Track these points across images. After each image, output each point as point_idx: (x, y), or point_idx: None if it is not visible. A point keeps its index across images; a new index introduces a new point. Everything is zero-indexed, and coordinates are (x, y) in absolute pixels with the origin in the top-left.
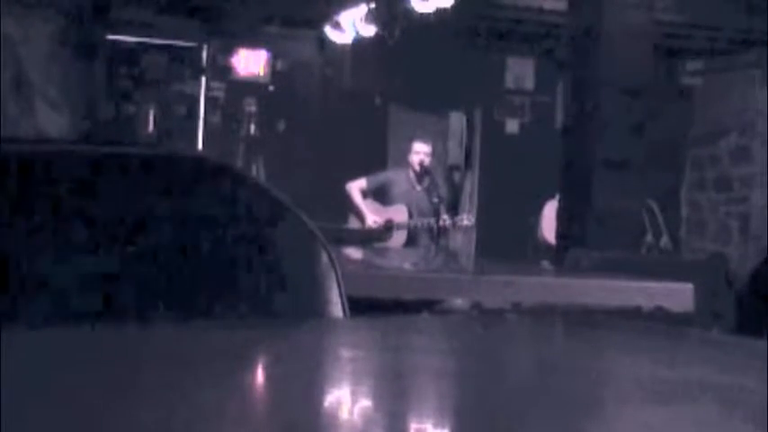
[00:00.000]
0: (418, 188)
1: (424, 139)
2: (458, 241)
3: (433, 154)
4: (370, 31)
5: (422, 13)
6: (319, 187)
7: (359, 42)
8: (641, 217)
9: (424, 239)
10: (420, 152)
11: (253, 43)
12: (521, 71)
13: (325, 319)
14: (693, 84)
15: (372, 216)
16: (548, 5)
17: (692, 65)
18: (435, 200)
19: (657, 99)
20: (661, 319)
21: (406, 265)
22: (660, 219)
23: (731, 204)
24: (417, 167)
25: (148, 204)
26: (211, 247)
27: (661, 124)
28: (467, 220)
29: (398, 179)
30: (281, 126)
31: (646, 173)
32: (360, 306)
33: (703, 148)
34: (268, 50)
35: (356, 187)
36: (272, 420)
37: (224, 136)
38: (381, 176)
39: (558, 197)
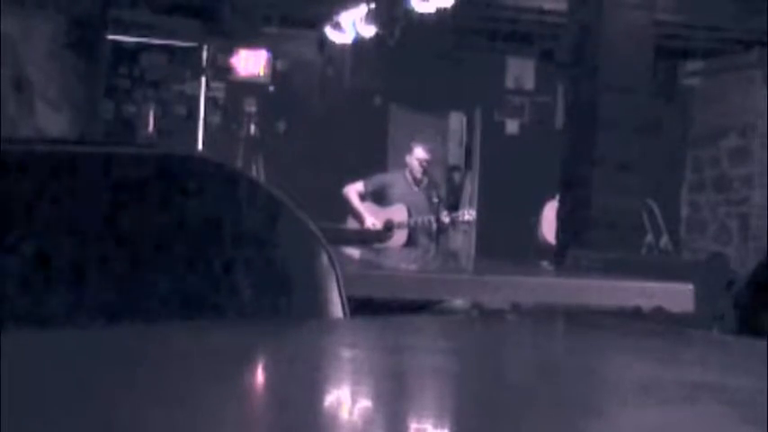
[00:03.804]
0: (416, 189)
1: (425, 144)
2: (458, 241)
3: (433, 154)
4: (370, 31)
5: (422, 13)
6: (319, 187)
7: (359, 42)
8: (641, 217)
9: (423, 239)
10: (422, 159)
11: (253, 43)
12: (521, 71)
13: (325, 319)
14: (693, 84)
15: (371, 218)
16: (548, 5)
17: (692, 65)
18: (435, 200)
19: (657, 99)
20: (661, 319)
21: (406, 266)
22: (660, 219)
23: (731, 204)
24: (418, 174)
25: (148, 204)
26: (211, 247)
27: (661, 124)
28: (468, 214)
29: (396, 181)
30: (281, 126)
31: (646, 173)
32: (360, 306)
33: (703, 149)
34: (268, 50)
35: (353, 190)
36: (271, 421)
37: (224, 136)
38: (379, 179)
39: (557, 197)
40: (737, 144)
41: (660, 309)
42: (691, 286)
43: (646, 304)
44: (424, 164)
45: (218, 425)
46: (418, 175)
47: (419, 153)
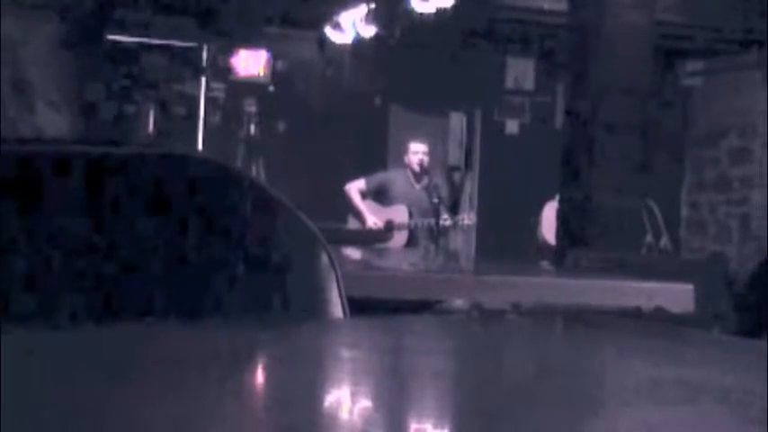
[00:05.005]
0: (417, 187)
1: (419, 138)
2: (458, 241)
3: (431, 153)
4: (370, 31)
5: (422, 13)
6: (319, 187)
7: (359, 42)
8: (641, 217)
9: (424, 240)
10: (418, 152)
11: (253, 43)
12: (521, 71)
13: (325, 319)
14: (693, 84)
15: (372, 217)
16: (548, 6)
17: (693, 65)
18: (435, 200)
19: (657, 99)
20: (661, 319)
21: (406, 266)
22: (660, 219)
23: (731, 204)
24: (416, 168)
25: (148, 204)
26: (211, 248)
27: (661, 124)
28: (468, 219)
29: (397, 179)
30: (281, 126)
31: (646, 173)
32: (360, 306)
33: (703, 149)
34: (268, 50)
35: (355, 188)
36: (272, 420)
37: (224, 136)
38: (380, 177)
39: (557, 197)
40: (737, 144)
41: (660, 309)
42: (691, 286)
43: (646, 304)
44: (422, 156)
45: (218, 424)
46: (417, 169)
47: (415, 147)
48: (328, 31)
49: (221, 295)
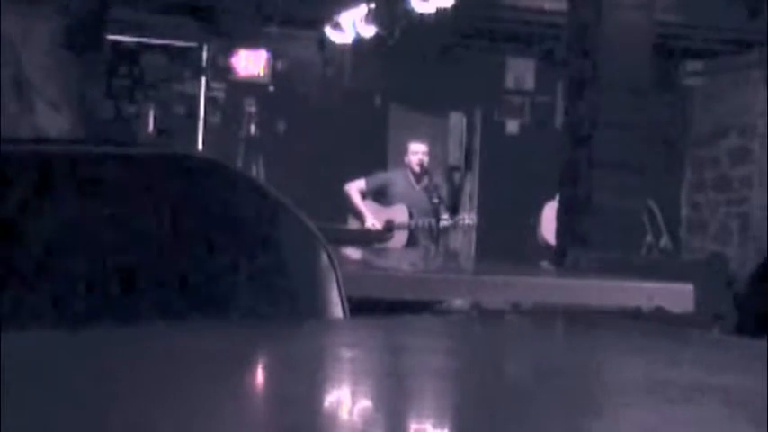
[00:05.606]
0: (417, 188)
1: (419, 139)
2: (458, 241)
3: (431, 153)
4: (370, 31)
5: (422, 13)
6: (319, 187)
7: (359, 42)
8: (641, 217)
9: (424, 240)
10: (418, 152)
11: (253, 43)
12: (521, 71)
13: (325, 319)
14: (693, 84)
15: (372, 217)
16: (548, 6)
17: (692, 65)
18: (435, 200)
19: (657, 99)
20: (661, 319)
21: (406, 266)
22: (660, 219)
23: (731, 204)
24: (416, 168)
25: (148, 204)
26: (211, 248)
27: (661, 124)
28: (468, 219)
29: (397, 180)
30: (281, 126)
31: (646, 173)
32: (360, 306)
33: (703, 149)
34: (268, 50)
35: (355, 188)
36: (272, 420)
37: (224, 136)
38: (380, 177)
39: (557, 197)
40: (737, 144)
41: (660, 309)
42: (691, 286)
43: (646, 304)
44: (421, 156)
45: (218, 425)
46: (417, 169)
47: (415, 148)
48: (328, 31)
49: (221, 295)
